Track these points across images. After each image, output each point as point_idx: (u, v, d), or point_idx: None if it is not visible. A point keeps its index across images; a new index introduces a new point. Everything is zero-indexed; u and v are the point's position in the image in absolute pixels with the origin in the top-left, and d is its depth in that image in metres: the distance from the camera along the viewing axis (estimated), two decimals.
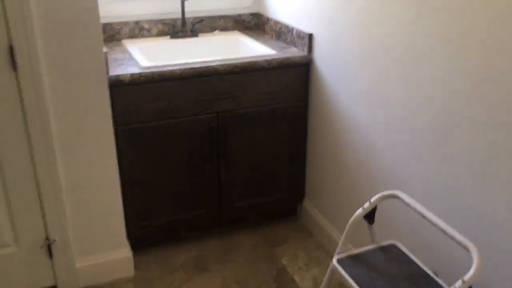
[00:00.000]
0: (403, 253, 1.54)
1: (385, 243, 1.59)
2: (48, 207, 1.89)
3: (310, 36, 2.17)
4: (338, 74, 2.03)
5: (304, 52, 2.21)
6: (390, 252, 1.55)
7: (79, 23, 1.73)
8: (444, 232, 1.33)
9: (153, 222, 2.21)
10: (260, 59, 2.12)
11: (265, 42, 2.37)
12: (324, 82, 2.14)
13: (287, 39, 2.35)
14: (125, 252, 2.12)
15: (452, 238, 1.30)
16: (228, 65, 2.06)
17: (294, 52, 2.23)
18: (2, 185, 1.82)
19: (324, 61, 2.12)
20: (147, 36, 2.45)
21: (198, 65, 2.02)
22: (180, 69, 1.99)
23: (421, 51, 1.57)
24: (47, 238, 1.95)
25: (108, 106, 1.88)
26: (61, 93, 1.79)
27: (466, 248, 1.26)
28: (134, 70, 1.96)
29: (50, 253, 1.98)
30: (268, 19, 2.53)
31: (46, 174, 1.84)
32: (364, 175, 1.97)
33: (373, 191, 1.93)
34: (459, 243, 1.29)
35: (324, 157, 2.25)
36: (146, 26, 2.43)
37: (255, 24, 2.64)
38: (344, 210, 2.16)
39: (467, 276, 1.18)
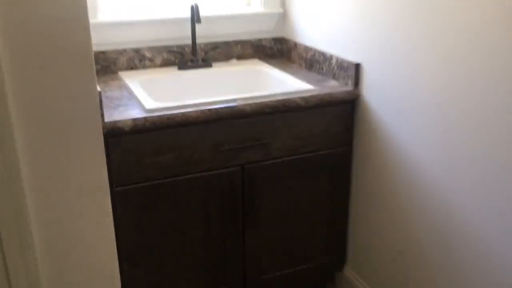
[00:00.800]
0: None
1: None
2: None
3: (358, 66, 1.72)
4: (395, 111, 1.59)
5: (348, 87, 1.76)
6: None
7: (64, 53, 1.27)
8: None
9: None
10: (294, 96, 1.68)
11: (294, 74, 1.93)
12: (374, 122, 1.70)
13: (322, 69, 1.91)
14: None
15: None
16: (257, 105, 1.61)
17: (335, 86, 1.79)
18: None
19: (376, 96, 1.68)
20: (150, 67, 1.99)
21: (218, 106, 1.57)
22: (195, 112, 1.54)
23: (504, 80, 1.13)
24: None
25: (102, 162, 1.41)
26: (38, 149, 1.32)
27: None
28: (137, 114, 1.50)
29: None
30: (295, 45, 2.09)
31: (21, 273, 1.35)
32: (431, 242, 1.51)
33: (439, 261, 1.46)
34: None
35: (371, 214, 1.79)
36: (148, 54, 1.98)
37: (278, 50, 2.20)
38: (395, 280, 1.69)
39: None
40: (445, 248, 1.48)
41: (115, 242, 1.48)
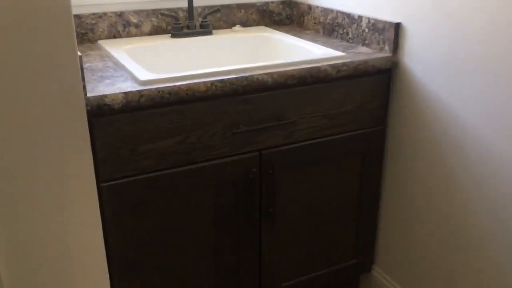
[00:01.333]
0: None
1: None
2: None
3: (397, 27, 1.41)
4: (448, 81, 1.28)
5: (385, 52, 1.45)
6: None
7: (39, 16, 0.92)
8: None
9: None
10: (324, 64, 1.35)
11: (313, 41, 1.60)
12: (418, 96, 1.39)
13: (347, 34, 1.59)
14: None
15: None
16: (280, 75, 1.28)
17: (368, 52, 1.47)
18: None
19: (422, 63, 1.37)
20: (136, 35, 1.64)
21: (233, 76, 1.24)
22: (204, 83, 1.20)
23: None
24: None
25: (87, 149, 1.06)
26: (4, 130, 0.96)
27: None
28: (129, 87, 1.15)
29: None
30: (310, 8, 1.76)
31: None
32: (480, 240, 1.22)
33: (483, 262, 1.18)
34: None
35: (408, 207, 1.50)
36: (133, 19, 1.62)
37: (287, 16, 1.87)
38: (431, 280, 1.41)
39: None
40: (496, 246, 1.20)
41: (104, 250, 1.15)
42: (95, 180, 1.09)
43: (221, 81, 1.22)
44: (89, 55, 1.45)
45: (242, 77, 1.24)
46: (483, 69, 1.19)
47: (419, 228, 1.48)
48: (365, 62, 1.39)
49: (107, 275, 1.18)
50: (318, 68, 1.33)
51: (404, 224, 1.54)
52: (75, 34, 0.94)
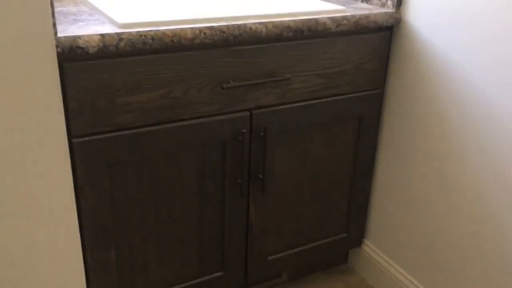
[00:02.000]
0: None
1: None
2: None
3: None
4: (459, 43, 1.18)
5: (387, 8, 1.34)
6: None
7: None
8: None
9: None
10: (323, 16, 1.23)
11: None
12: (424, 57, 1.29)
13: None
14: None
15: None
16: (275, 25, 1.16)
17: (368, 8, 1.35)
18: None
19: (428, 20, 1.26)
20: None
21: (224, 23, 1.11)
22: (192, 30, 1.07)
23: None
24: None
25: (57, 97, 0.93)
26: None
27: None
28: (106, 30, 1.01)
29: None
30: None
31: None
32: (465, 212, 1.14)
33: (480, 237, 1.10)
34: None
35: (403, 179, 1.41)
36: None
37: None
38: (425, 257, 1.33)
39: None
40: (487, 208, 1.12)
41: (76, 216, 1.03)
42: (66, 135, 0.96)
43: (211, 28, 1.09)
44: (61, 0, 1.29)
45: (234, 25, 1.11)
46: (494, 22, 1.09)
47: (414, 202, 1.40)
48: (367, 17, 1.28)
49: (79, 243, 1.05)
50: (316, 20, 1.21)
51: (399, 198, 1.45)
52: None
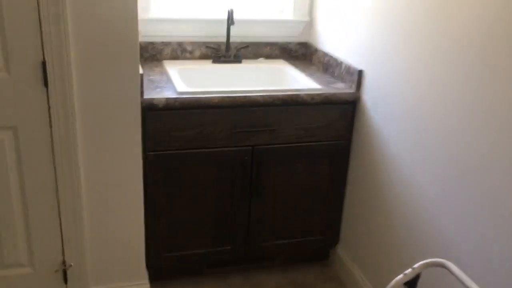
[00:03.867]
0: None
1: None
2: (67, 231, 1.81)
3: (360, 73, 2.02)
4: (388, 115, 1.87)
5: (351, 89, 2.06)
6: None
7: (117, 43, 1.66)
8: None
9: (175, 254, 2.09)
10: (303, 93, 1.99)
11: (311, 75, 2.24)
12: (370, 122, 1.99)
13: (334, 73, 2.21)
14: (143, 284, 2.00)
15: None
16: (269, 97, 1.94)
17: (340, 88, 2.09)
18: (22, 203, 1.75)
19: (373, 100, 1.96)
20: (189, 58, 2.36)
21: (237, 95, 1.91)
22: (218, 98, 1.89)
23: (492, 97, 1.40)
24: (63, 263, 1.86)
25: (139, 130, 1.79)
26: (91, 113, 1.72)
27: None
28: (170, 94, 1.87)
29: (65, 278, 1.88)
30: (316, 50, 2.40)
31: (68, 197, 1.76)
32: (407, 228, 1.79)
33: (416, 248, 1.74)
34: None
35: (364, 201, 2.08)
36: (188, 48, 2.35)
37: (302, 54, 2.52)
38: (380, 264, 1.98)
39: None
40: (411, 225, 1.76)
41: (142, 192, 1.86)
42: (141, 149, 1.82)
43: (228, 97, 1.90)
44: (154, 70, 2.19)
45: (243, 96, 1.91)
46: (411, 112, 1.77)
47: (374, 219, 2.07)
48: (334, 94, 2.01)
49: (143, 211, 1.90)
50: (297, 95, 1.97)
51: (363, 214, 2.12)
52: (139, 59, 1.68)
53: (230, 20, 2.24)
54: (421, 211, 1.70)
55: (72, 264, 1.85)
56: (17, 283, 1.85)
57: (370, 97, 1.98)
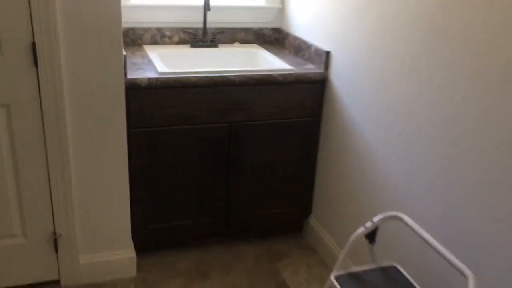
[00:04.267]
0: (403, 275, 1.53)
1: (385, 264, 1.58)
2: (57, 202, 1.93)
3: (327, 54, 2.19)
4: (353, 92, 2.04)
5: (320, 69, 2.23)
6: (390, 273, 1.54)
7: (102, 27, 1.79)
8: (444, 257, 1.33)
9: (160, 225, 2.23)
10: (276, 73, 2.15)
11: (283, 57, 2.40)
12: (338, 100, 2.16)
13: (305, 55, 2.38)
14: (129, 252, 2.15)
15: (451, 264, 1.29)
16: (244, 77, 2.09)
17: (310, 68, 2.25)
18: (15, 177, 1.87)
19: (340, 79, 2.13)
20: (168, 43, 2.50)
21: (214, 75, 2.06)
22: (196, 77, 2.03)
23: (438, 74, 1.58)
24: (54, 232, 1.99)
25: (123, 108, 1.93)
26: (78, 92, 1.84)
27: (464, 275, 1.25)
28: (152, 74, 2.00)
29: (55, 247, 2.01)
30: (287, 35, 2.56)
31: (58, 170, 1.88)
32: (370, 195, 1.97)
33: (379, 211, 1.92)
34: (458, 270, 1.28)
35: (333, 174, 2.26)
36: (168, 33, 2.48)
37: (275, 38, 2.67)
38: (349, 229, 2.16)
39: None
40: (374, 191, 1.95)
41: (127, 166, 2.00)
42: (126, 126, 1.95)
43: (207, 77, 2.04)
44: (135, 54, 2.32)
45: (220, 76, 2.06)
46: (371, 90, 1.94)
47: (342, 189, 2.24)
48: (304, 74, 2.18)
49: (128, 184, 2.04)
50: (270, 75, 2.13)
51: (332, 186, 2.29)
52: (122, 44, 1.81)
53: (207, 6, 2.38)
54: (382, 176, 1.88)
55: (62, 234, 1.98)
56: (10, 253, 1.97)
57: (337, 76, 2.15)
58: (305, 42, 2.37)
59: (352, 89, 2.04)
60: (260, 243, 2.45)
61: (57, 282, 2.08)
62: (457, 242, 1.50)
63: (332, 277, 1.49)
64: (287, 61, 2.32)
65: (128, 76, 1.96)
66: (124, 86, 1.90)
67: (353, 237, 1.52)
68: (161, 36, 2.48)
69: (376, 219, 1.52)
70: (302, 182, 2.40)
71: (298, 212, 2.46)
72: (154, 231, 2.23)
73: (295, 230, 2.56)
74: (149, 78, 1.97)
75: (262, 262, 2.31)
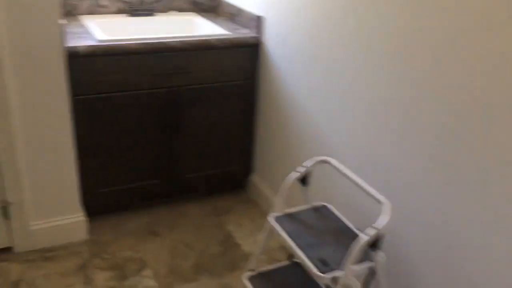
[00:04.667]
0: (332, 212, 1.73)
1: (317, 204, 1.77)
2: (5, 170, 1.99)
3: (259, 18, 2.32)
4: (284, 54, 2.20)
5: (254, 34, 2.36)
6: (321, 211, 1.73)
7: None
8: (363, 189, 1.53)
9: (108, 189, 2.33)
10: (212, 38, 2.26)
11: (219, 24, 2.51)
12: (271, 62, 2.31)
13: (240, 21, 2.50)
14: (79, 216, 2.23)
15: (369, 194, 1.49)
16: (182, 42, 2.20)
17: (245, 33, 2.38)
18: None
19: (272, 42, 2.28)
20: (105, 13, 2.54)
21: (153, 41, 2.15)
22: (135, 44, 2.11)
23: (362, 37, 1.76)
24: (4, 200, 2.04)
25: (62, 75, 1.98)
26: (19, 61, 1.89)
27: (378, 202, 1.46)
28: (91, 42, 2.07)
29: (6, 215, 2.07)
30: (221, 2, 2.66)
31: (3, 138, 1.93)
32: (304, 146, 2.16)
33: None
34: (374, 198, 1.49)
35: (271, 132, 2.42)
36: (104, 2, 2.53)
37: (210, 6, 2.77)
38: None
39: (377, 223, 1.38)
40: (308, 144, 2.13)
41: (71, 133, 2.08)
42: (68, 93, 2.02)
43: (146, 43, 2.13)
44: (73, 24, 2.35)
45: (159, 42, 2.15)
46: (305, 55, 2.10)
47: (280, 146, 2.41)
48: (238, 38, 2.31)
49: (73, 150, 2.11)
50: (207, 40, 2.24)
51: (271, 144, 2.46)
52: (59, 11, 1.86)
53: None
54: (314, 129, 2.07)
55: (12, 200, 2.04)
56: None
57: (270, 40, 2.30)
58: (238, 9, 2.49)
59: (284, 51, 2.20)
60: (205, 202, 2.60)
61: (9, 249, 2.15)
62: (379, 179, 1.71)
63: (270, 218, 1.67)
64: (223, 27, 2.44)
65: (68, 44, 2.01)
66: (62, 54, 1.96)
67: (287, 181, 1.69)
68: (98, 6, 2.52)
69: (306, 163, 1.70)
70: (243, 141, 2.55)
71: (240, 170, 2.62)
72: (103, 195, 2.33)
73: (239, 187, 2.72)
74: (89, 46, 2.04)
75: (208, 218, 2.47)
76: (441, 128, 1.44)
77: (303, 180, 1.72)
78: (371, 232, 1.38)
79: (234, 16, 2.55)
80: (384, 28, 1.61)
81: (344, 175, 1.61)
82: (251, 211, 2.54)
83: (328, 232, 1.62)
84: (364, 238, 1.37)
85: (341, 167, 1.64)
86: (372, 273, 1.49)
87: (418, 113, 1.52)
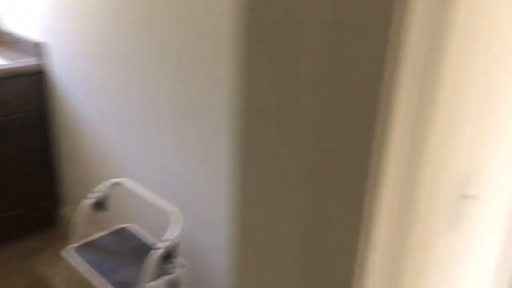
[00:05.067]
0: (132, 234, 1.72)
1: (118, 227, 1.75)
2: None
3: (39, 45, 2.22)
4: (74, 81, 2.14)
5: (37, 61, 2.25)
6: (122, 234, 1.72)
7: None
8: (151, 203, 1.56)
9: None
10: None
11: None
12: (61, 89, 2.22)
13: (21, 49, 2.36)
14: None
15: (157, 207, 1.53)
16: None
17: (27, 61, 2.25)
18: None
19: (60, 68, 2.20)
20: None
21: None
22: None
23: (136, 57, 1.78)
24: None
25: None
26: None
27: (167, 213, 1.50)
28: None
29: None
30: (3, 32, 2.49)
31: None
32: (107, 170, 2.12)
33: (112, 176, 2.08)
34: (161, 210, 1.52)
35: (75, 161, 2.33)
36: None
37: None
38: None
39: (166, 235, 1.41)
40: (109, 167, 2.10)
41: None
42: None
43: None
44: None
45: None
46: (95, 74, 2.05)
47: (86, 173, 2.32)
48: (16, 68, 2.17)
49: None
50: None
51: (78, 172, 2.35)
52: None
53: None
54: (113, 152, 2.04)
55: None
56: None
57: (57, 67, 2.21)
58: (17, 37, 2.35)
59: (73, 76, 2.13)
60: (10, 246, 2.39)
61: None
62: (172, 192, 1.76)
63: (67, 251, 1.60)
64: (3, 57, 2.28)
65: None
66: None
67: (80, 209, 1.64)
68: None
69: (100, 188, 1.67)
70: (42, 175, 2.40)
71: (45, 206, 2.46)
72: None
73: (49, 224, 2.56)
74: None
75: (16, 262, 2.27)
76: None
77: (99, 205, 1.69)
78: (163, 245, 1.41)
79: (15, 44, 2.39)
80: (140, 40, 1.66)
81: (134, 194, 1.62)
82: (64, 246, 2.40)
83: (129, 253, 1.61)
84: (155, 253, 1.39)
85: (131, 185, 1.65)
86: (174, 284, 1.53)
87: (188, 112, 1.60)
